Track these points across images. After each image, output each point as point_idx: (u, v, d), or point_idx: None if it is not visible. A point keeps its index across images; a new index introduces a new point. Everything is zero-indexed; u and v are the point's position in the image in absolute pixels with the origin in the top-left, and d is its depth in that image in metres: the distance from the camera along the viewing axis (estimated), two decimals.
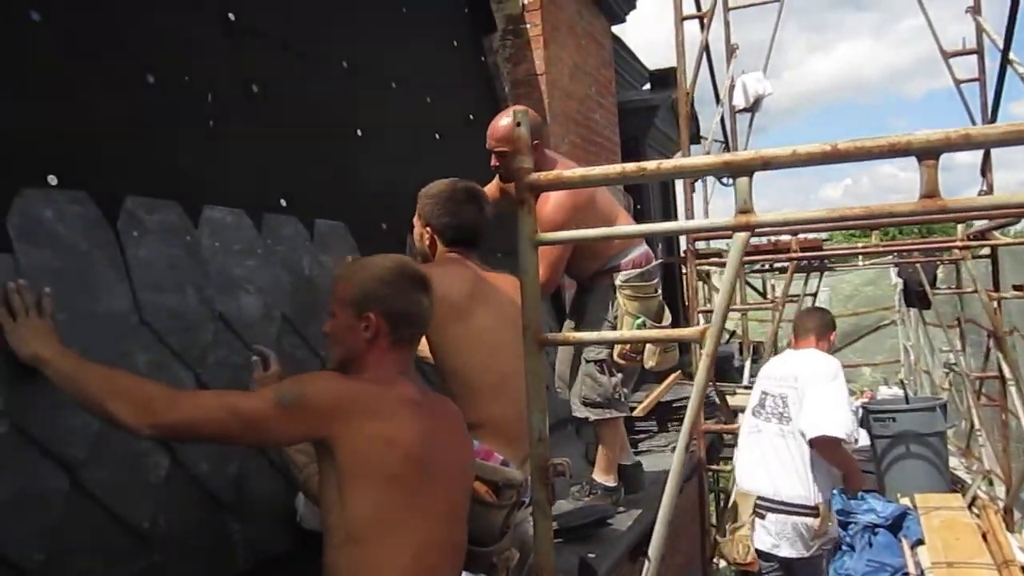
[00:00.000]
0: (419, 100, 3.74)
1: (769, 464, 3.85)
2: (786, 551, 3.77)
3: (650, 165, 1.69)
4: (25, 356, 1.63)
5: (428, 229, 2.52)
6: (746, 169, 1.56)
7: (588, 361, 3.36)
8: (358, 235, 2.96)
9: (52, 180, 1.87)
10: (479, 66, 4.60)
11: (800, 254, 3.97)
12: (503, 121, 3.14)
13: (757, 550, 3.79)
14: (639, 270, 3.29)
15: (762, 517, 3.81)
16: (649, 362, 3.30)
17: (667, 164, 1.73)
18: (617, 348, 3.26)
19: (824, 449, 3.69)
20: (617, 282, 3.30)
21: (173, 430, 1.62)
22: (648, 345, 3.25)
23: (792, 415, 3.80)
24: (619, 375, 3.37)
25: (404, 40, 3.72)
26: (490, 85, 4.67)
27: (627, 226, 2.79)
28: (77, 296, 1.84)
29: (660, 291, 3.41)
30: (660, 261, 3.51)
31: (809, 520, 3.71)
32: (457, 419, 1.92)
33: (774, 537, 3.78)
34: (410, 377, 1.83)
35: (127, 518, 1.82)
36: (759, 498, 3.82)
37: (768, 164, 1.54)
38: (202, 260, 2.21)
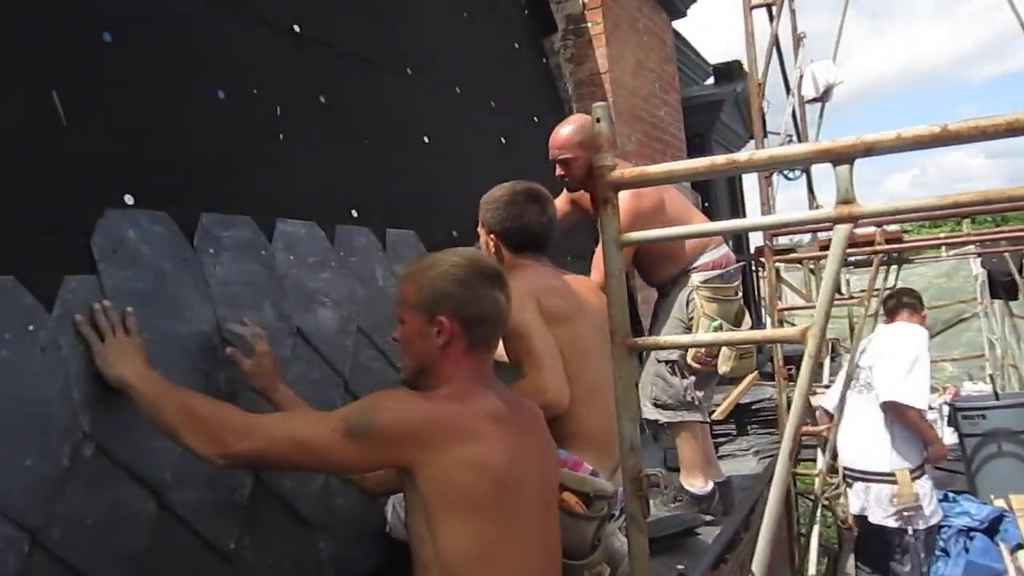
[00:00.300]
0: (483, 104, 3.69)
1: (855, 434, 4.17)
2: (874, 517, 4.10)
3: (741, 156, 1.60)
4: (111, 378, 1.62)
5: (492, 236, 2.45)
6: (847, 156, 1.46)
7: (659, 361, 3.28)
8: (429, 243, 2.91)
9: (129, 200, 1.86)
10: (541, 68, 4.54)
11: (885, 247, 3.80)
12: (564, 129, 3.07)
13: (852, 515, 4.17)
14: (718, 271, 3.19)
15: (849, 486, 4.19)
16: (723, 367, 3.19)
17: (760, 155, 1.63)
18: (692, 350, 3.15)
19: (897, 415, 3.97)
20: (694, 282, 3.20)
21: (245, 460, 1.57)
22: (723, 349, 3.14)
23: (876, 384, 4.11)
24: (692, 378, 3.26)
25: (466, 45, 3.68)
26: (553, 86, 4.61)
27: (716, 223, 2.67)
28: (160, 316, 1.83)
29: (740, 294, 3.29)
30: (741, 263, 3.38)
31: (888, 487, 3.98)
32: (538, 422, 1.80)
33: (862, 502, 4.14)
34: (490, 383, 1.70)
35: (213, 540, 1.79)
36: (846, 468, 4.19)
37: (871, 150, 1.43)
38: (278, 275, 2.18)
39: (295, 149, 2.44)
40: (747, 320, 3.31)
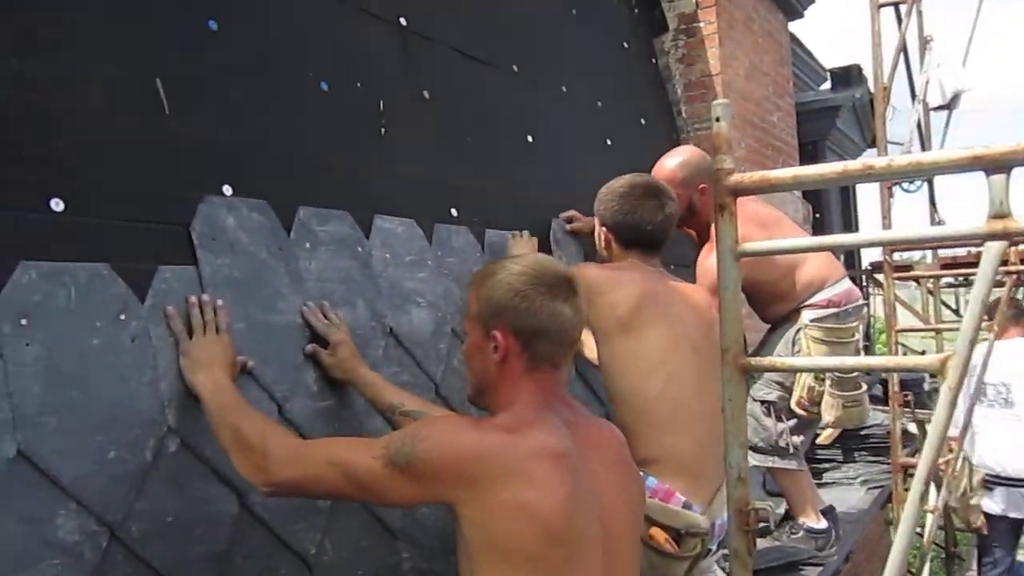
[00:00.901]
0: (590, 104, 3.57)
1: (997, 444, 4.61)
2: (1014, 514, 4.68)
3: (878, 163, 1.43)
4: (187, 380, 1.58)
5: (604, 229, 2.35)
6: (1004, 164, 1.27)
7: (754, 400, 3.02)
8: (554, 237, 2.82)
9: (227, 190, 1.83)
10: (650, 68, 4.39)
11: (1021, 267, 3.49)
12: (669, 162, 2.90)
13: (986, 514, 4.53)
14: (834, 310, 2.88)
15: (990, 490, 4.61)
16: (828, 415, 2.88)
17: (900, 161, 1.45)
18: (796, 394, 2.90)
19: None
20: (804, 320, 2.91)
21: (289, 489, 1.45)
22: (827, 396, 2.86)
23: (1016, 400, 4.59)
24: (789, 422, 2.99)
25: (574, 43, 3.57)
26: (662, 88, 4.45)
27: (845, 236, 2.46)
28: (254, 305, 1.78)
29: (860, 336, 2.98)
30: (862, 303, 3.06)
31: None
32: (619, 451, 1.59)
33: (1003, 504, 4.67)
34: (558, 405, 1.49)
35: (294, 544, 1.73)
36: (988, 474, 4.55)
37: None
38: (373, 273, 2.12)
39: (396, 144, 2.37)
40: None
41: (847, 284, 3.00)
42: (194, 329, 1.63)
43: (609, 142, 3.64)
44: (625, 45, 4.14)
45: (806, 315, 2.91)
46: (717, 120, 1.53)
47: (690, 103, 4.43)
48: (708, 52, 4.38)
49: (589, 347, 2.43)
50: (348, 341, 1.88)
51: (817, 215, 5.84)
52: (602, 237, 2.36)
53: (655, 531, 2.02)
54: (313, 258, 1.97)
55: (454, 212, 2.52)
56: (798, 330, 2.91)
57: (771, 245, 1.63)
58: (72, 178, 1.55)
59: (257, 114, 1.97)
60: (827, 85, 7.23)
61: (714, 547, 2.18)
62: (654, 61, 4.46)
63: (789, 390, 2.93)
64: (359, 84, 2.30)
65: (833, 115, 6.31)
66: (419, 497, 1.38)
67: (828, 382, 2.85)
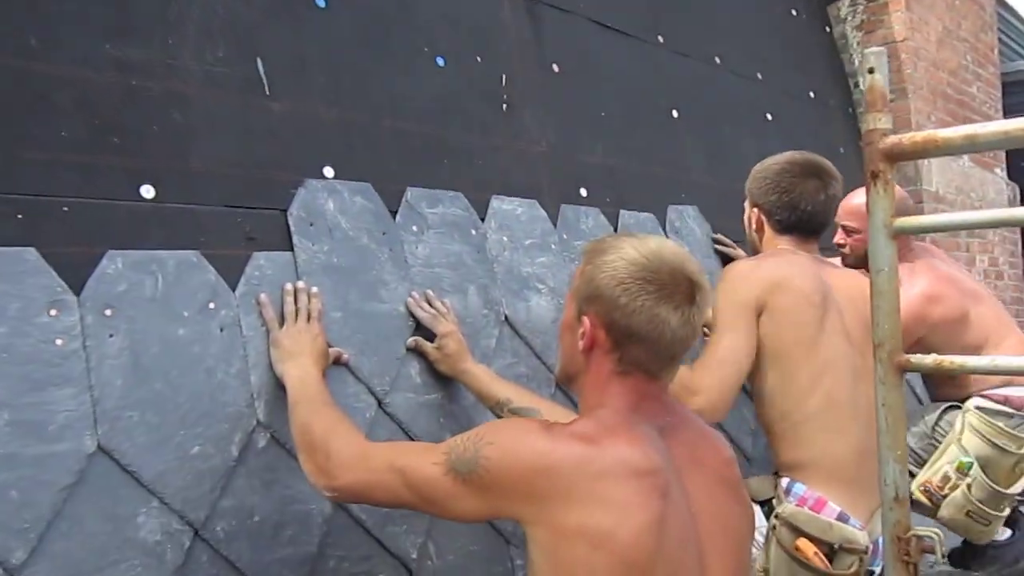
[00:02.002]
0: (748, 77, 3.26)
1: None
2: None
3: None
4: (276, 370, 1.50)
5: (756, 210, 2.09)
6: None
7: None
8: (671, 228, 2.58)
9: (329, 172, 1.75)
10: (823, 38, 3.99)
11: None
12: (859, 197, 2.54)
13: None
14: (1010, 410, 2.42)
15: None
16: (945, 511, 2.37)
17: None
18: (924, 474, 2.42)
19: None
20: (969, 406, 2.47)
21: (351, 495, 1.32)
22: (957, 495, 2.34)
23: None
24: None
25: (729, 11, 3.27)
26: (836, 59, 4.03)
27: None
28: (354, 294, 1.69)
29: None
30: None
31: None
32: (726, 470, 1.32)
33: None
34: (654, 408, 1.25)
35: (393, 547, 1.62)
36: None
37: None
38: (488, 257, 1.98)
39: (520, 120, 2.22)
40: (1019, 485, 2.44)
41: None
42: (286, 318, 1.55)
43: (769, 117, 3.31)
44: (794, 13, 3.77)
45: (973, 401, 2.47)
46: (871, 71, 1.27)
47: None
48: (892, 16, 3.92)
49: None
50: (456, 332, 1.75)
51: None
52: (754, 219, 2.10)
53: (803, 543, 1.76)
54: (420, 242, 1.85)
55: (583, 192, 2.34)
56: (950, 408, 2.50)
57: (937, 220, 1.34)
58: (165, 163, 1.51)
59: (365, 93, 1.88)
60: None
61: (877, 570, 1.87)
62: (828, 30, 4.05)
63: (921, 463, 2.49)
64: (479, 58, 2.17)
65: None
66: (484, 511, 1.20)
67: (971, 481, 2.38)
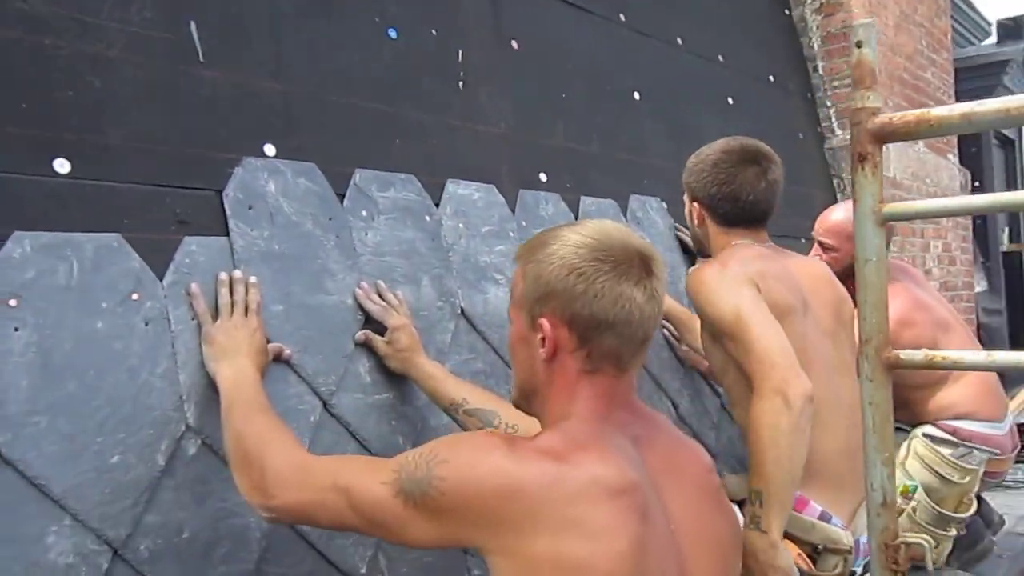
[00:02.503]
0: (709, 59, 3.17)
1: None
2: None
3: None
4: (208, 369, 1.35)
5: (696, 204, 1.96)
6: None
7: None
8: (632, 217, 2.48)
9: (270, 150, 1.59)
10: (783, 21, 3.92)
11: None
12: (837, 214, 2.50)
13: None
14: (960, 444, 2.40)
15: None
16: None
17: None
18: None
19: None
20: (917, 432, 2.46)
21: (291, 516, 1.18)
22: (903, 519, 2.31)
23: None
24: None
25: None
26: (796, 42, 3.97)
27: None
28: (297, 285, 1.54)
29: (976, 486, 2.45)
30: (1018, 448, 2.55)
31: None
32: (707, 478, 1.23)
33: None
34: (623, 416, 1.13)
35: (340, 562, 1.49)
36: None
37: None
38: (443, 245, 1.85)
39: (476, 100, 2.09)
40: (968, 510, 2.44)
41: (1006, 426, 2.49)
42: (220, 311, 1.40)
43: (731, 101, 3.23)
44: None
45: (923, 428, 2.46)
46: (859, 46, 1.17)
47: (828, 58, 3.93)
48: (852, 0, 3.86)
49: (692, 331, 2.09)
50: (409, 326, 1.62)
51: (976, 183, 5.18)
52: (695, 214, 1.98)
53: (786, 543, 1.68)
54: (370, 228, 1.71)
55: (543, 177, 2.21)
56: (897, 431, 2.46)
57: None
58: (83, 135, 1.34)
59: (310, 64, 1.72)
60: (991, 40, 6.43)
61: (859, 569, 1.81)
62: (787, 12, 3.98)
63: None
64: (434, 31, 2.02)
65: (1000, 71, 5.56)
66: (440, 538, 1.05)
67: (915, 504, 2.36)
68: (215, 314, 1.40)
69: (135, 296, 1.33)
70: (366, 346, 1.62)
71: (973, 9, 6.16)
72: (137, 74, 1.43)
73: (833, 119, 3.92)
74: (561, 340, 1.11)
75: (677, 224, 2.62)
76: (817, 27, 3.97)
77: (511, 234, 2.02)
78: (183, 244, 1.42)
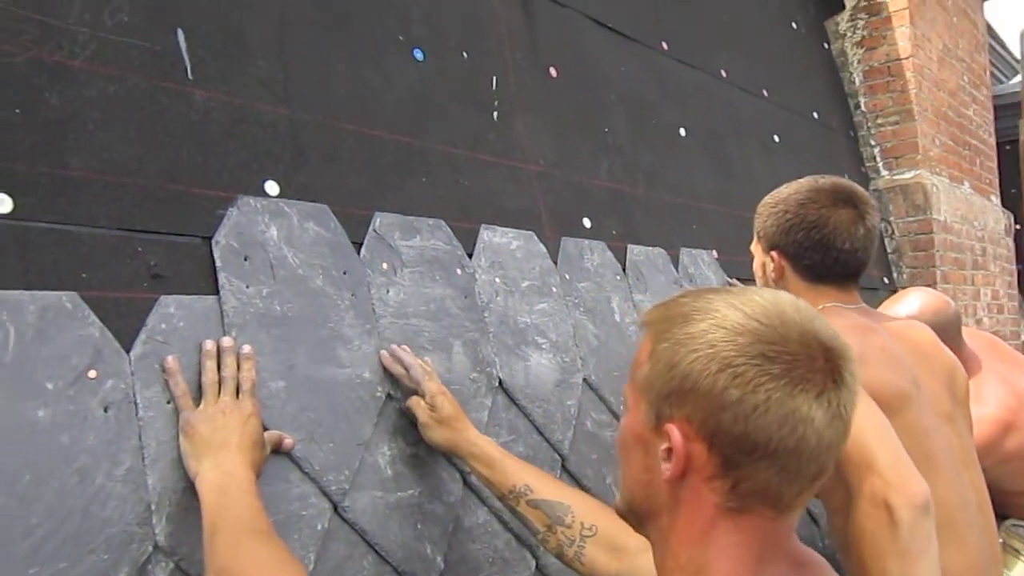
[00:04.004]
0: (754, 93, 2.90)
1: None
2: None
3: None
4: (186, 467, 1.04)
5: (774, 254, 1.60)
6: None
7: None
8: (684, 273, 2.18)
9: (272, 188, 1.30)
10: (822, 54, 3.67)
11: None
12: (902, 309, 2.20)
13: None
14: None
15: None
16: None
17: None
18: None
19: None
20: (1007, 523, 2.15)
21: None
22: None
23: None
24: None
25: (733, 18, 2.92)
26: (835, 77, 3.71)
27: None
28: (302, 355, 1.24)
29: None
30: None
31: None
32: None
33: None
34: (778, 565, 0.80)
35: None
36: None
37: None
38: (477, 304, 1.54)
39: (514, 132, 1.80)
40: None
41: None
42: (204, 391, 1.10)
43: (777, 139, 2.95)
44: (794, 26, 3.44)
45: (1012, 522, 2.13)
46: None
47: (871, 94, 3.67)
48: (896, 32, 3.61)
49: None
50: (449, 394, 1.31)
51: (1019, 226, 4.89)
52: (772, 266, 1.61)
53: None
54: (392, 284, 1.41)
55: (587, 223, 1.92)
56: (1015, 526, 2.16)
57: None
58: (30, 165, 1.05)
59: (323, 87, 1.44)
60: (1019, 78, 6.20)
61: None
62: (826, 46, 3.73)
63: None
64: (465, 54, 1.74)
65: None
66: None
67: None
68: (198, 396, 1.09)
69: (92, 374, 1.02)
70: (385, 429, 1.30)
71: (1003, 46, 5.95)
72: (107, 90, 1.14)
73: (878, 158, 3.64)
74: (696, 460, 0.78)
75: (730, 280, 2.32)
76: (859, 62, 3.71)
77: (554, 289, 1.72)
78: (158, 305, 1.11)
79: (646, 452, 0.82)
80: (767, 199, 1.65)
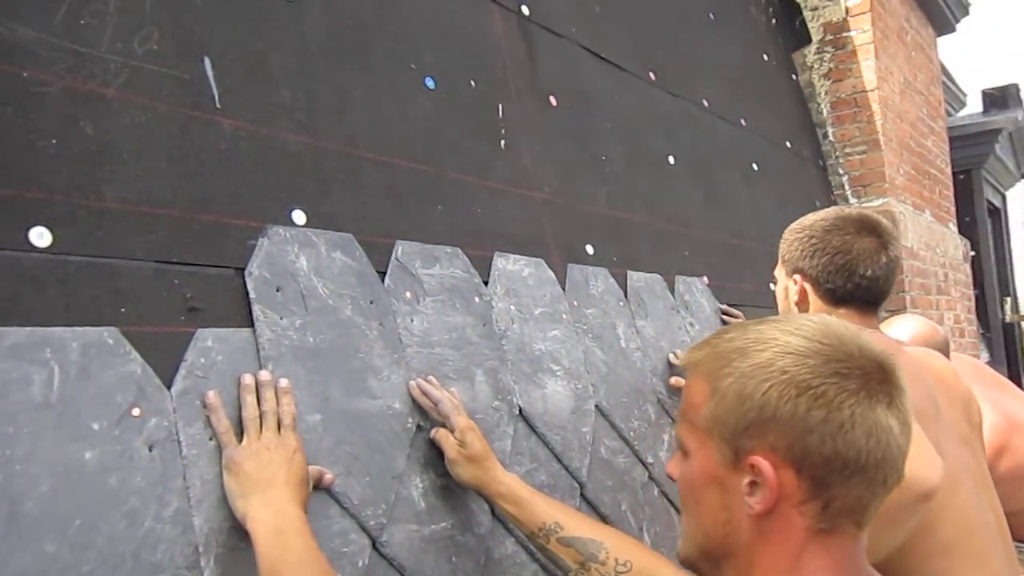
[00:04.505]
0: (733, 123, 2.96)
1: None
2: None
3: None
4: (233, 507, 1.01)
5: (797, 277, 1.63)
6: None
7: None
8: (680, 301, 2.20)
9: (299, 218, 1.28)
10: (791, 85, 3.76)
11: None
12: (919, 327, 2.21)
13: None
14: None
15: None
16: None
17: None
18: None
19: None
20: None
21: None
22: None
23: None
24: None
25: (712, 49, 2.98)
26: (804, 107, 3.81)
27: None
28: (336, 388, 1.21)
29: None
30: None
31: None
32: None
33: None
34: None
35: None
36: None
37: None
38: (495, 332, 1.54)
39: (520, 160, 1.81)
40: None
41: None
42: (246, 427, 1.07)
43: (755, 167, 3.01)
44: (765, 57, 3.53)
45: None
46: None
47: (839, 124, 3.78)
48: (862, 64, 3.72)
49: None
50: (477, 430, 1.30)
51: (973, 252, 5.05)
52: (794, 290, 1.63)
53: None
54: (415, 313, 1.40)
55: (590, 249, 1.93)
56: None
57: None
58: (67, 197, 1.02)
59: (342, 115, 1.43)
60: (966, 110, 6.44)
61: None
62: (794, 77, 3.83)
63: None
64: (473, 83, 1.75)
65: (991, 139, 5.51)
66: None
67: None
68: (239, 432, 1.07)
69: (136, 412, 0.99)
70: (417, 461, 1.28)
71: (951, 80, 6.17)
72: (140, 119, 1.12)
73: (847, 187, 3.74)
74: (787, 487, 0.77)
75: (723, 307, 2.36)
76: (825, 93, 3.82)
77: (564, 316, 1.72)
78: (196, 339, 1.09)
79: (723, 491, 0.82)
80: (793, 225, 1.68)
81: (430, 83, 1.64)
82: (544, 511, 1.22)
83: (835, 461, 0.76)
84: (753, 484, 0.79)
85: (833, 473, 0.77)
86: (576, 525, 1.20)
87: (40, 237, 0.98)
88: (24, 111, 1.01)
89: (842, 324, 0.83)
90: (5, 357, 0.90)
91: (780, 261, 1.67)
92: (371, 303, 1.32)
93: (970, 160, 5.50)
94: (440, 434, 1.29)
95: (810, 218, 1.63)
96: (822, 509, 0.78)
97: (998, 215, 6.38)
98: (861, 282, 1.57)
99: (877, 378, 0.78)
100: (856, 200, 3.70)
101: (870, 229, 1.58)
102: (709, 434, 0.83)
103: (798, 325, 0.82)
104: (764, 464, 0.78)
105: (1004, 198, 6.50)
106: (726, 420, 0.81)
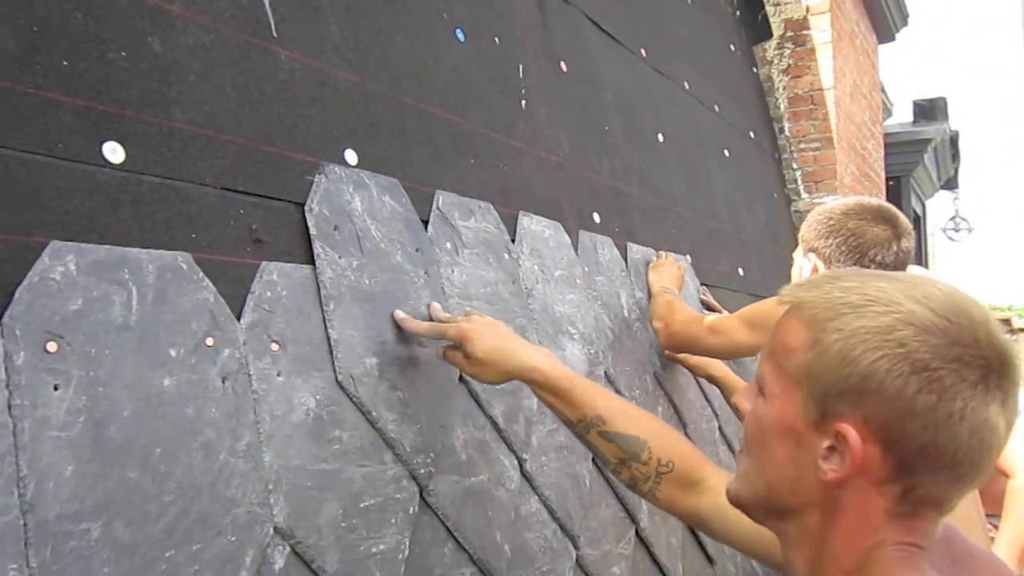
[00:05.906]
0: (708, 107, 3.01)
1: None
2: None
3: None
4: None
5: (811, 256, 1.65)
6: None
7: None
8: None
9: (351, 158, 1.24)
10: (752, 78, 3.85)
11: None
12: None
13: None
14: None
15: None
16: None
17: None
18: None
19: None
20: None
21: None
22: None
23: None
24: None
25: (691, 34, 3.02)
26: (763, 101, 3.90)
27: None
28: (390, 333, 1.18)
29: None
30: None
31: None
32: None
33: None
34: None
35: None
36: None
37: None
38: (523, 290, 1.53)
39: (538, 122, 1.80)
40: None
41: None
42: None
43: (727, 153, 3.08)
44: (732, 48, 3.60)
45: None
46: None
47: (795, 119, 3.89)
48: (820, 63, 3.84)
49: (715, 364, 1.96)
50: (474, 327, 1.17)
51: None
52: (808, 268, 1.67)
53: None
54: (455, 264, 1.37)
55: (596, 218, 1.94)
56: None
57: None
58: (138, 113, 0.96)
59: (385, 59, 1.38)
60: (894, 120, 6.73)
61: None
62: (755, 70, 3.92)
63: None
64: (497, 39, 1.73)
65: (922, 149, 5.77)
66: None
67: None
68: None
69: (209, 341, 0.94)
70: (459, 412, 1.27)
71: (882, 89, 6.44)
72: (203, 40, 1.06)
73: (799, 181, 3.86)
74: (870, 463, 0.71)
75: (704, 286, 2.40)
76: (784, 88, 3.92)
77: (578, 281, 1.72)
78: (262, 271, 1.04)
79: (797, 446, 0.75)
80: (816, 210, 1.72)
81: (460, 35, 1.61)
82: (585, 401, 1.13)
83: (930, 450, 0.69)
84: (831, 449, 0.72)
85: (923, 461, 0.70)
86: (620, 421, 1.12)
87: (113, 152, 0.92)
88: (94, 19, 0.94)
89: (972, 300, 0.74)
90: (87, 273, 0.84)
91: (800, 241, 1.71)
92: (417, 251, 1.29)
93: (900, 167, 5.76)
94: (448, 355, 1.20)
95: (831, 204, 1.68)
96: (902, 494, 0.72)
97: (919, 222, 6.72)
98: (870, 267, 1.61)
99: (999, 372, 0.70)
100: (808, 195, 3.83)
101: (887, 219, 1.62)
102: (798, 384, 0.75)
103: (926, 293, 0.72)
104: (852, 434, 0.70)
105: (924, 206, 6.85)
106: (821, 377, 0.73)
